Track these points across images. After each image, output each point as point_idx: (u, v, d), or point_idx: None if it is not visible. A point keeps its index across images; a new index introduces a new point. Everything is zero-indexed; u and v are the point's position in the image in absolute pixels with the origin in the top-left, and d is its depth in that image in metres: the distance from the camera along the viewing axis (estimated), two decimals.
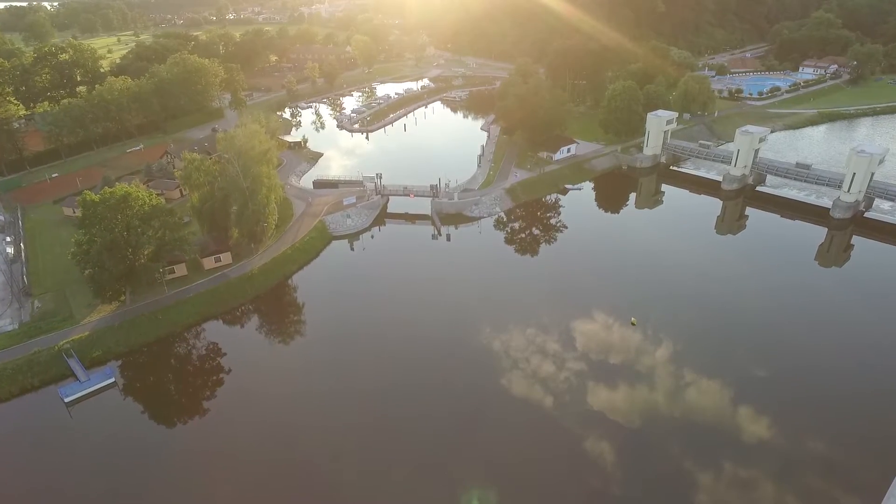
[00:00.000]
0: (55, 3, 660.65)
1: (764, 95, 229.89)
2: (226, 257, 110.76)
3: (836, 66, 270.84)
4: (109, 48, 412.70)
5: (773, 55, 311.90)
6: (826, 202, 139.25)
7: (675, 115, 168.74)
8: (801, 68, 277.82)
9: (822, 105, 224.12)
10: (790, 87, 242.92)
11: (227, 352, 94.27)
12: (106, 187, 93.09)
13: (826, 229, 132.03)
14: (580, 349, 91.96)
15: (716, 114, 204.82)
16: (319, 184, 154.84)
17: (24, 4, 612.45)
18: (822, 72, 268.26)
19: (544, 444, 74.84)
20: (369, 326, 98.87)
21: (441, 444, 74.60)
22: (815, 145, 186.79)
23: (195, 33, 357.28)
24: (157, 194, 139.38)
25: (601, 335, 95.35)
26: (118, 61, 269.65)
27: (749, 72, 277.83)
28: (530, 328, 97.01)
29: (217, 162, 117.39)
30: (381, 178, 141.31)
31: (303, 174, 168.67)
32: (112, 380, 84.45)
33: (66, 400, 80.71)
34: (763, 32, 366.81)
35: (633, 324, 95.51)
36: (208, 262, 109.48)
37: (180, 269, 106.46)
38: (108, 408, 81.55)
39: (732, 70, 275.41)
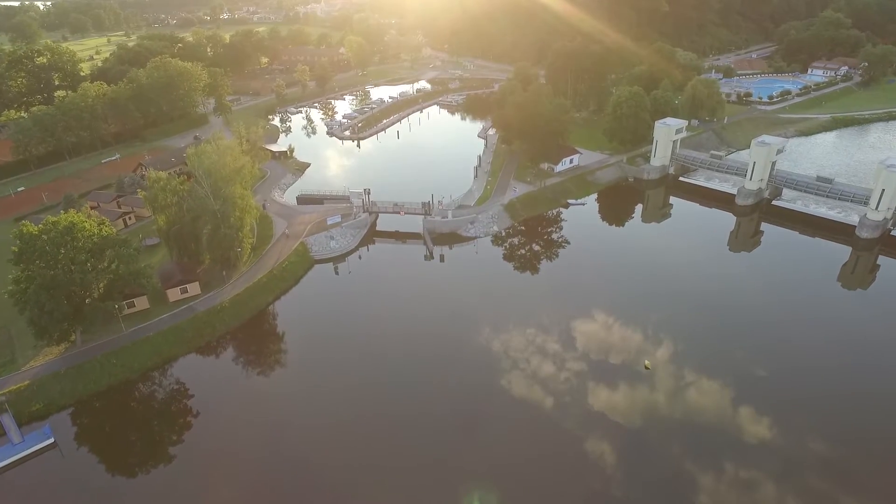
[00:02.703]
0: (48, 3, 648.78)
1: (774, 99, 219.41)
2: (193, 287, 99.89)
3: (846, 67, 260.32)
4: (98, 49, 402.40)
5: (780, 56, 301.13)
6: (850, 218, 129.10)
7: (684, 123, 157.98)
8: (809, 70, 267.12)
9: (834, 109, 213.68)
10: (800, 90, 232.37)
11: (192, 399, 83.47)
12: (49, 217, 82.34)
13: (850, 248, 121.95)
14: (589, 380, 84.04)
15: (725, 120, 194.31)
16: (304, 199, 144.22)
17: (17, 4, 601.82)
18: (833, 74, 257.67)
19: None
20: (354, 362, 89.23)
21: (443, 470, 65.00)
22: (833, 154, 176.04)
23: (186, 34, 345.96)
24: (127, 212, 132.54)
25: (612, 367, 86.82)
26: (99, 65, 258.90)
27: (756, 73, 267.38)
28: (533, 357, 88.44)
29: (185, 181, 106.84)
30: (369, 193, 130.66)
31: (287, 187, 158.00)
32: (51, 440, 73.49)
33: None
34: (768, 32, 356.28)
35: (646, 367, 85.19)
36: (173, 294, 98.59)
37: (141, 303, 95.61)
38: (47, 475, 70.75)
39: (739, 72, 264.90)
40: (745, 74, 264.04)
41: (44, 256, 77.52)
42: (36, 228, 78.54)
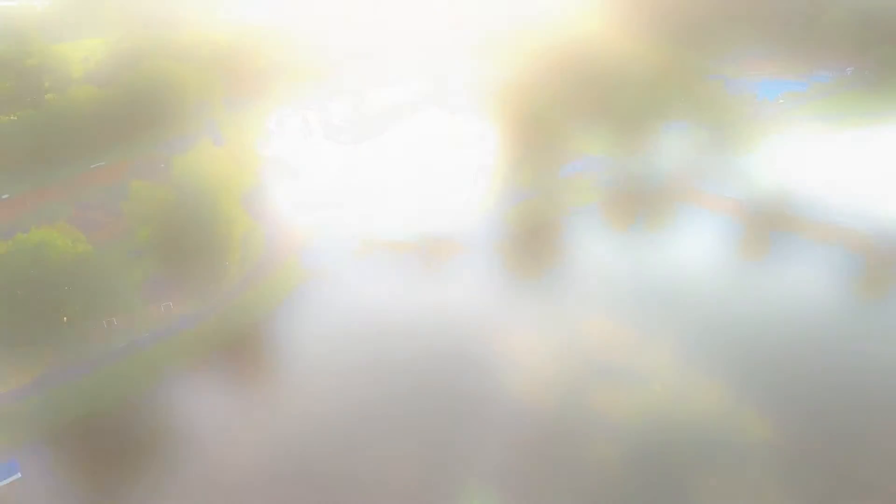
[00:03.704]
0: (46, 3, 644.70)
1: (780, 101, 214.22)
2: (177, 305, 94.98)
3: (852, 68, 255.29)
4: (95, 50, 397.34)
5: (786, 57, 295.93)
6: (864, 226, 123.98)
7: (692, 126, 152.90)
8: (816, 71, 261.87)
9: (842, 111, 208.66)
10: (807, 91, 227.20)
11: (175, 425, 78.57)
12: (18, 234, 77.45)
13: (866, 258, 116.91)
14: (592, 388, 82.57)
15: (731, 123, 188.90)
16: (297, 208, 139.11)
17: (14, 4, 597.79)
18: (840, 74, 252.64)
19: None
20: (349, 375, 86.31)
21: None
22: (843, 157, 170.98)
23: (182, 35, 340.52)
24: (114, 221, 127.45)
25: (617, 377, 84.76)
26: (92, 66, 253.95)
27: (761, 74, 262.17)
28: (535, 364, 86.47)
29: (171, 190, 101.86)
30: (364, 201, 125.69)
31: (281, 194, 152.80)
32: (18, 475, 68.80)
33: None
34: (773, 33, 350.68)
35: (658, 391, 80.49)
36: (157, 311, 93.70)
37: (121, 322, 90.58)
38: None
39: (744, 73, 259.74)
40: (749, 76, 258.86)
41: (10, 277, 72.41)
42: (2, 246, 73.66)
